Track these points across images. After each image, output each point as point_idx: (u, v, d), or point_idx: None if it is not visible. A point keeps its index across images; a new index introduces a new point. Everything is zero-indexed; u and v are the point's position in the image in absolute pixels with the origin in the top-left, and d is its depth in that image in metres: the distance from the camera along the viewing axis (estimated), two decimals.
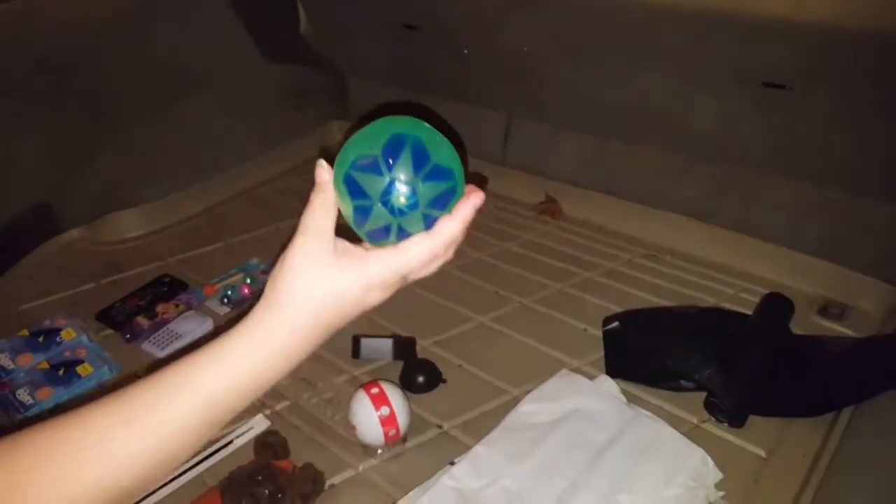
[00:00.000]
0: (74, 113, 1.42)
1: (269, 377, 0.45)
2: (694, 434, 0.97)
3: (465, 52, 1.47)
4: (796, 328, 1.16)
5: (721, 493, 0.88)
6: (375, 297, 0.47)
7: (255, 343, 0.44)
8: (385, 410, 0.91)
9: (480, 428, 0.99)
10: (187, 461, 0.93)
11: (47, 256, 1.45)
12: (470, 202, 0.47)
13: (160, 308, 1.26)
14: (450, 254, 0.48)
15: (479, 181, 0.48)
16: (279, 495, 0.85)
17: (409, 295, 1.27)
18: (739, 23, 1.16)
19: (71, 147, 1.45)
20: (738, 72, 1.23)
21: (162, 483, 0.89)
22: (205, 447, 0.96)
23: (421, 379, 1.07)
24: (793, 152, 1.26)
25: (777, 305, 1.17)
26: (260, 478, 0.87)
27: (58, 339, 1.19)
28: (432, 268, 0.48)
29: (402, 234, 0.46)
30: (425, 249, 0.46)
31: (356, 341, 1.12)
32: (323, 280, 0.45)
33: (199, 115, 1.59)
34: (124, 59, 1.46)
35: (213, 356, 0.44)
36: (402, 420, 0.93)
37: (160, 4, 1.52)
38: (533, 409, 1.00)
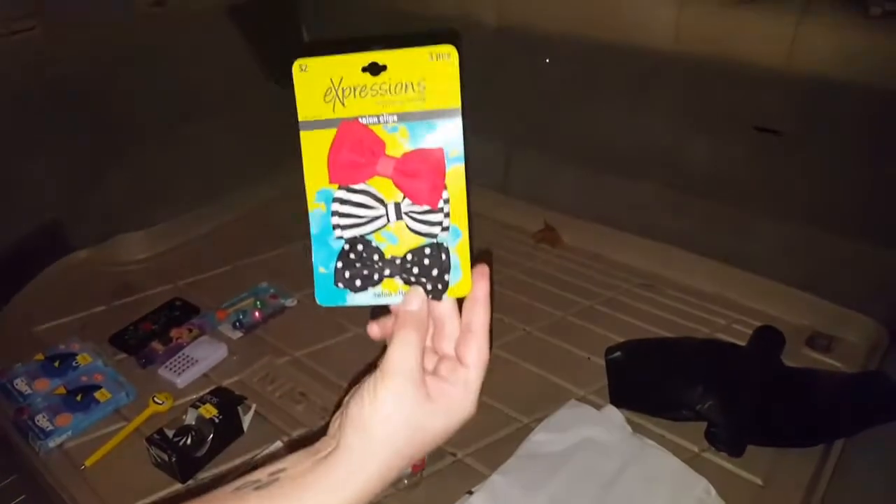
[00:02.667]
0: (85, 134, 1.44)
1: None
2: (694, 462, 1.03)
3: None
4: (786, 359, 1.22)
5: None
6: (446, 435, 0.46)
7: (346, 488, 0.42)
8: None
9: (493, 455, 1.03)
10: None
11: (57, 277, 1.46)
12: (481, 298, 0.46)
13: (174, 333, 1.28)
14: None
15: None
16: None
17: None
18: (735, 70, 1.24)
19: (81, 168, 1.46)
20: (734, 117, 1.31)
21: None
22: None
23: None
24: (783, 192, 1.33)
25: (770, 338, 1.24)
26: None
27: (73, 364, 1.21)
28: None
29: None
30: (485, 361, 0.46)
31: None
32: (416, 426, 0.43)
33: (208, 139, 1.62)
34: (136, 83, 1.49)
35: (294, 498, 0.41)
36: None
37: (172, 31, 1.55)
38: (545, 438, 1.05)
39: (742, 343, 1.25)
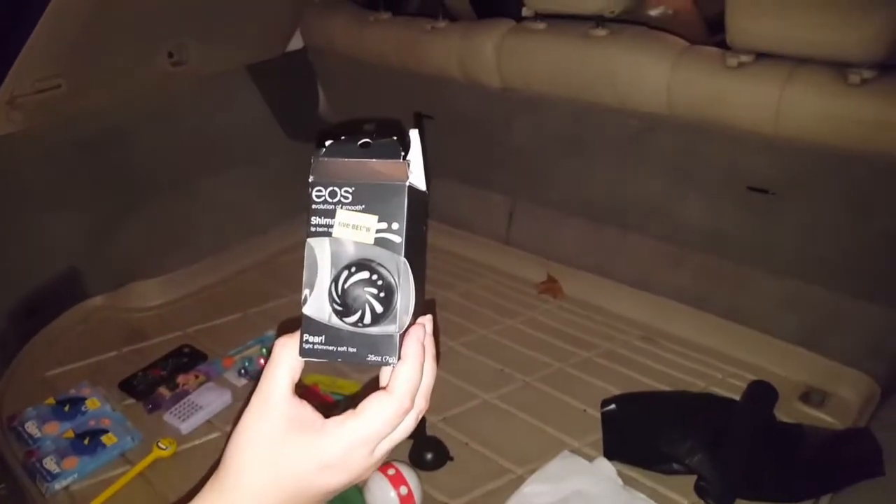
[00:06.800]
0: (105, 184, 1.52)
1: None
2: None
3: None
4: (780, 413, 1.23)
5: None
6: (336, 479, 0.40)
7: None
8: (403, 490, 0.98)
9: None
10: None
11: (72, 323, 1.52)
12: (413, 340, 0.41)
13: (181, 379, 1.32)
14: (423, 403, 0.42)
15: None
16: None
17: None
18: (725, 133, 1.28)
19: (99, 216, 1.54)
20: (726, 175, 1.35)
21: None
22: None
23: (430, 456, 1.14)
24: (775, 249, 1.37)
25: (762, 393, 1.25)
26: None
27: (83, 409, 1.25)
28: (408, 425, 0.41)
29: None
30: (385, 409, 0.40)
31: None
32: (272, 457, 0.40)
33: (222, 190, 1.69)
34: (156, 136, 1.57)
35: None
36: (418, 498, 0.99)
37: (194, 87, 1.63)
38: (536, 489, 1.07)
39: (736, 397, 1.27)
